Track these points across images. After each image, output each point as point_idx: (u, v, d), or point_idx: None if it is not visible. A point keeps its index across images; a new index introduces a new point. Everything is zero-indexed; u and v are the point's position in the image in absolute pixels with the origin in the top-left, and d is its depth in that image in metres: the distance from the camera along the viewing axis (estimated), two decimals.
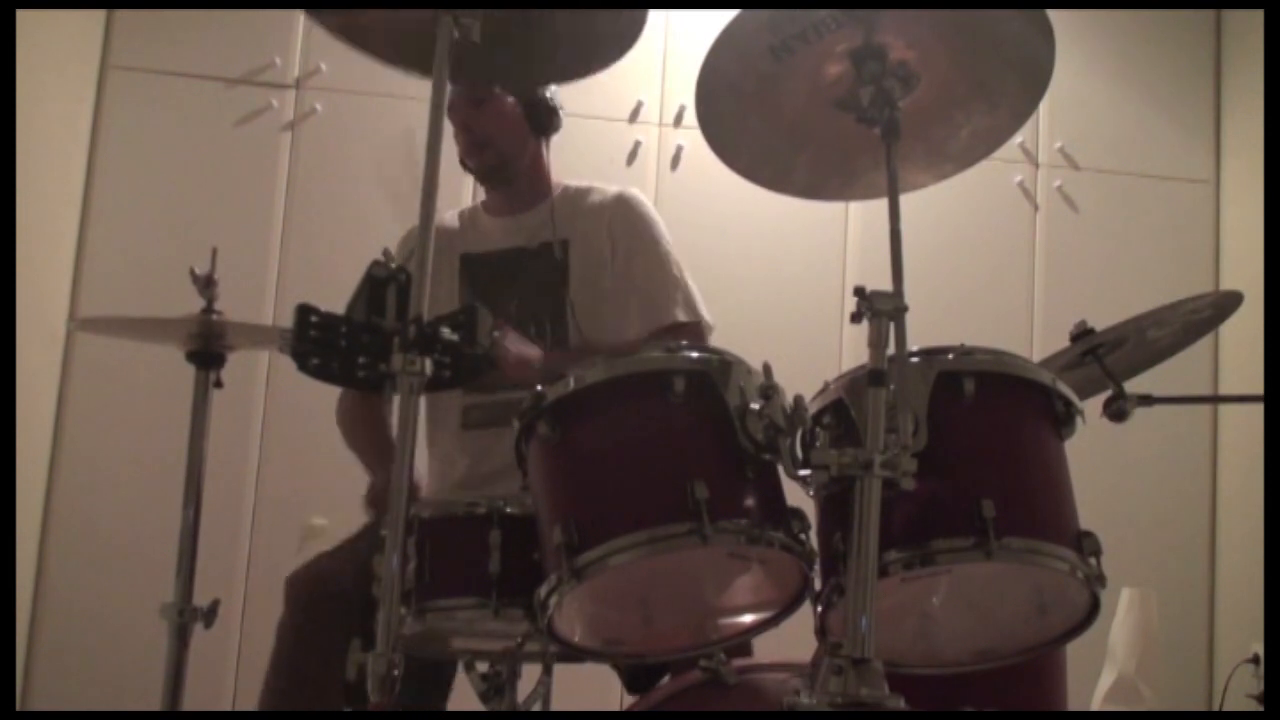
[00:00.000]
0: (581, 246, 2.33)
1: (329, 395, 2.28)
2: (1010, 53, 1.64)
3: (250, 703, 2.12)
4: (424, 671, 2.02)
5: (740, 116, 1.70)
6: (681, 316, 2.30)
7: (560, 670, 1.64)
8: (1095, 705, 3.06)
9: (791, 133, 1.72)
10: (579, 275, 2.31)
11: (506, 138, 2.34)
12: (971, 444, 1.49)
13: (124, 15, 3.44)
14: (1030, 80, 1.67)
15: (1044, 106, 1.77)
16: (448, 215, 2.45)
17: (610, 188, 2.42)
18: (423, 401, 1.48)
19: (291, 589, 2.13)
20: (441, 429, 2.33)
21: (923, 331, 1.48)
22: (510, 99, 2.32)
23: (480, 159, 2.36)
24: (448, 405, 2.30)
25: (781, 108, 1.68)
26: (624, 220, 2.35)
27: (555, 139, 2.40)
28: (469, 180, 2.49)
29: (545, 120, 2.36)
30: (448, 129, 1.59)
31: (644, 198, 2.42)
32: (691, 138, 3.56)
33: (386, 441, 2.23)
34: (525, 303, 2.29)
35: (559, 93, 2.38)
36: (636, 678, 2.04)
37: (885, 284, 1.46)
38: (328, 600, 2.05)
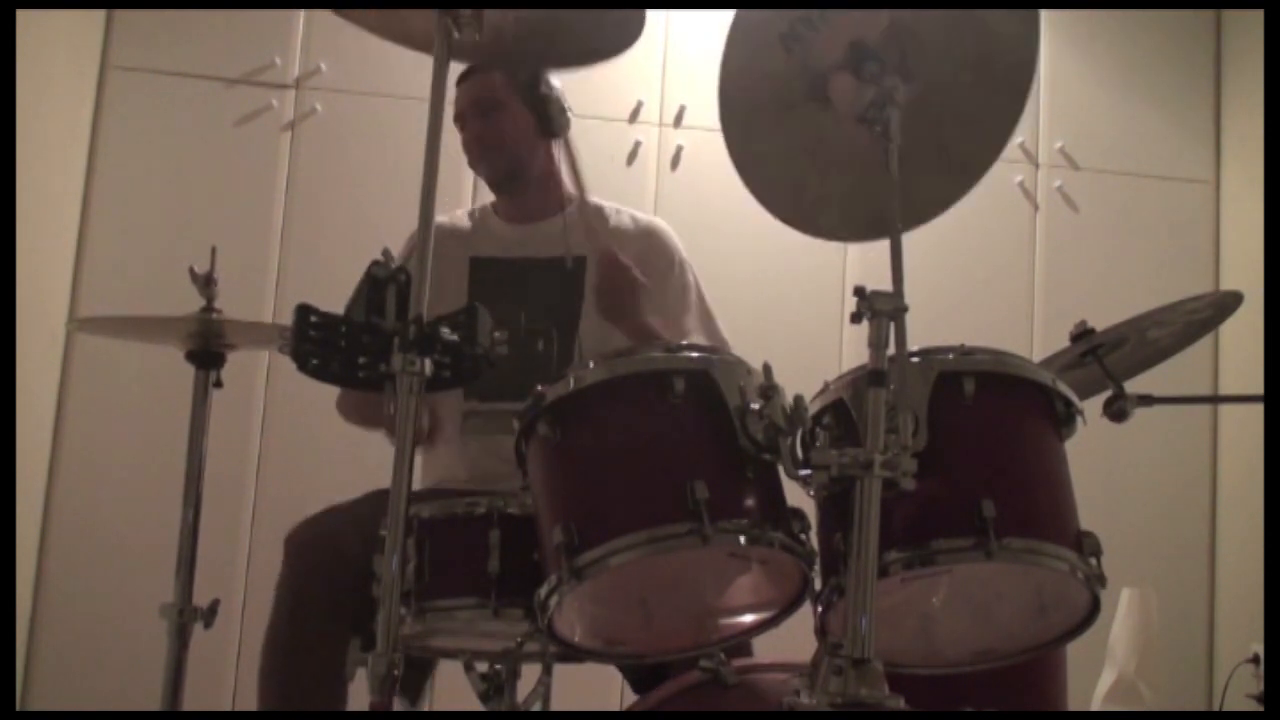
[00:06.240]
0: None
1: (329, 395, 2.28)
2: (1000, 53, 1.63)
3: (250, 703, 2.11)
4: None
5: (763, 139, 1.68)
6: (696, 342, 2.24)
7: (560, 670, 1.64)
8: (1095, 705, 3.06)
9: (814, 161, 1.70)
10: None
11: (517, 144, 2.32)
12: (971, 444, 1.49)
13: (124, 15, 3.44)
14: (1016, 80, 1.66)
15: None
16: (459, 214, 2.44)
17: (635, 214, 2.40)
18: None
19: (292, 547, 2.10)
20: (440, 435, 2.31)
21: (923, 331, 1.48)
22: (518, 104, 2.29)
23: (492, 166, 2.35)
24: (447, 412, 2.28)
25: (800, 128, 1.66)
26: (650, 254, 2.31)
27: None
28: (468, 182, 2.49)
29: (554, 121, 2.32)
30: (447, 128, 1.58)
31: (671, 231, 2.40)
32: (691, 138, 3.56)
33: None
34: (534, 315, 2.26)
35: (565, 92, 2.35)
36: (640, 679, 2.04)
37: (885, 284, 1.45)
38: (328, 560, 2.01)
